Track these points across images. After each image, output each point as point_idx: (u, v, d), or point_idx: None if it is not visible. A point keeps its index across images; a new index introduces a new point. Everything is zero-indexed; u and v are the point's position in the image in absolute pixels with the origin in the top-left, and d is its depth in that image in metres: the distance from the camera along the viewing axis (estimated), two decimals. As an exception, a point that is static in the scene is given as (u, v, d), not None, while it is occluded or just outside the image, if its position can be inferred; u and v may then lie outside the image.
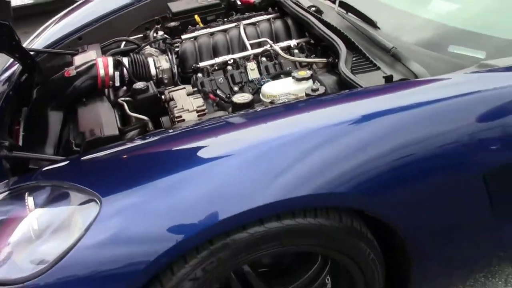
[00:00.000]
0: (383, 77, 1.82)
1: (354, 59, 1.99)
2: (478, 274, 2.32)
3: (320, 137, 1.54)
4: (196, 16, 2.57)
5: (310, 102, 1.79)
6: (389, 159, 1.57)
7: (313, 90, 1.87)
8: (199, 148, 1.58)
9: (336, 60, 2.02)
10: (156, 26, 2.67)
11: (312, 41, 2.32)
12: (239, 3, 2.74)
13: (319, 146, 1.52)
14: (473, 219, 1.86)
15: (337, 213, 1.57)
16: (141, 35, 2.72)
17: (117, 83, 2.15)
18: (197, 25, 2.52)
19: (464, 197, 1.77)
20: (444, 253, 1.88)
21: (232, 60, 2.23)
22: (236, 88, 2.14)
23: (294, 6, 2.39)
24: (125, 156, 1.67)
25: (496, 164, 1.74)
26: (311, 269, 1.69)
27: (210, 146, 1.59)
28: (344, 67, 1.90)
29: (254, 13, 2.56)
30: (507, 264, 2.37)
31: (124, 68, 2.16)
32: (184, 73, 2.26)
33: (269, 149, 1.51)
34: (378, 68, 1.91)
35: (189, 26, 2.49)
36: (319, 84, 1.93)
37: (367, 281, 1.76)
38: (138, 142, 1.77)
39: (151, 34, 2.56)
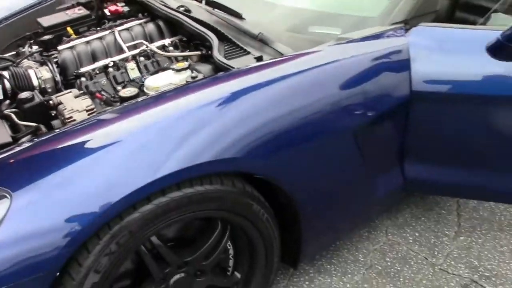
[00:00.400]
0: (254, 58, 2.10)
1: (226, 47, 2.25)
2: (362, 229, 2.66)
3: (209, 111, 1.78)
4: (68, 28, 2.72)
5: (192, 84, 2.02)
6: (274, 127, 1.84)
7: (193, 78, 2.11)
8: (89, 140, 1.74)
9: (210, 52, 2.27)
10: (29, 41, 2.78)
11: (184, 39, 2.55)
12: (108, 13, 2.92)
13: (209, 119, 1.75)
14: (351, 177, 2.18)
15: (230, 179, 1.82)
16: (14, 52, 2.81)
17: (0, 97, 2.26)
18: (71, 36, 2.67)
19: (340, 157, 2.09)
20: (328, 211, 2.18)
21: (112, 63, 2.40)
22: (119, 88, 2.32)
23: (163, 8, 2.61)
24: (20, 157, 1.79)
25: (364, 124, 2.06)
26: (213, 235, 1.92)
27: (99, 137, 1.74)
28: (218, 54, 2.15)
29: (125, 20, 2.76)
30: (385, 217, 2.74)
31: (6, 81, 2.27)
32: (67, 80, 2.40)
33: (160, 129, 1.72)
34: (249, 53, 2.18)
35: (64, 38, 2.64)
36: (197, 72, 2.18)
37: (265, 243, 2.02)
38: (30, 143, 1.88)
39: (26, 49, 2.68)
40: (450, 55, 2.12)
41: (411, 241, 2.62)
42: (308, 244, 2.17)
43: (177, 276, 1.91)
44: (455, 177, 2.31)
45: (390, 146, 2.24)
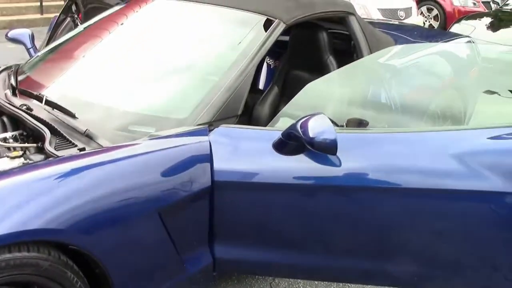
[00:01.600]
0: (78, 149, 2.59)
1: (57, 141, 2.73)
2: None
3: (38, 187, 2.24)
4: None
5: (26, 166, 2.46)
6: (93, 205, 2.30)
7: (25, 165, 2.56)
8: None
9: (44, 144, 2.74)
10: None
11: (25, 133, 3.01)
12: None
13: (38, 193, 2.20)
14: (161, 254, 2.65)
15: (46, 247, 2.23)
16: None
17: None
18: None
19: (150, 236, 2.56)
20: (141, 284, 2.62)
21: (-48, 151, 2.81)
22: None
23: (8, 105, 3.06)
24: None
25: (170, 207, 2.57)
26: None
27: None
28: (48, 146, 2.63)
29: (-29, 116, 3.18)
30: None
31: None
32: None
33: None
34: (76, 145, 2.67)
35: None
36: (30, 161, 2.63)
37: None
38: None
39: None
40: (244, 151, 2.72)
41: (224, 317, 3.10)
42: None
43: None
44: (257, 257, 2.85)
45: (197, 228, 2.74)
